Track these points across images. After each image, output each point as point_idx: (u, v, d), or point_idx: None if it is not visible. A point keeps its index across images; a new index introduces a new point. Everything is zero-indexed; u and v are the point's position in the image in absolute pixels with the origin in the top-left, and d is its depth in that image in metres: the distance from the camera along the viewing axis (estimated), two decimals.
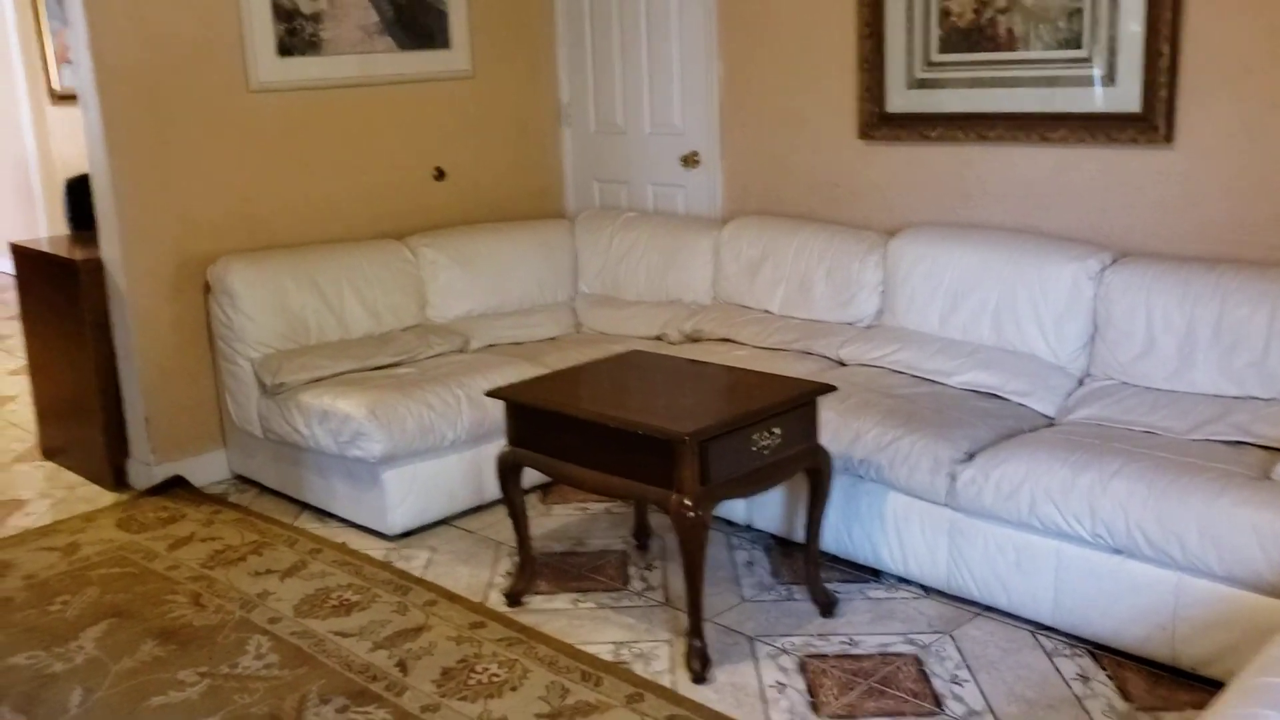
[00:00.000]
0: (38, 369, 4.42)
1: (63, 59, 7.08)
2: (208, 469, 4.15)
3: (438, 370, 3.88)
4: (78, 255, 4.04)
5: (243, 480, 4.15)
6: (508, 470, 3.10)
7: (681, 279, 4.30)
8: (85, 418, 4.14)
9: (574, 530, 3.64)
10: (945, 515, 2.98)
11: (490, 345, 4.23)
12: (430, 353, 4.07)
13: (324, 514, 3.81)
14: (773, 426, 2.78)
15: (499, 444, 3.51)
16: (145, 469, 4.05)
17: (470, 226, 4.57)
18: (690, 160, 4.54)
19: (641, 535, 3.47)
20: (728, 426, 2.69)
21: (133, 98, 3.83)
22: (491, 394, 3.15)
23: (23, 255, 4.32)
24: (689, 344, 4.03)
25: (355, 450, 3.54)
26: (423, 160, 4.61)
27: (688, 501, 2.63)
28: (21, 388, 5.33)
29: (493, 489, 3.72)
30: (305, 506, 3.89)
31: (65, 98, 7.19)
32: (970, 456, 2.95)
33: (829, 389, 2.92)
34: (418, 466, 3.65)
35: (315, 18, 4.18)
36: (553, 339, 4.34)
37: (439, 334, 4.19)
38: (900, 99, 3.82)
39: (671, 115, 4.60)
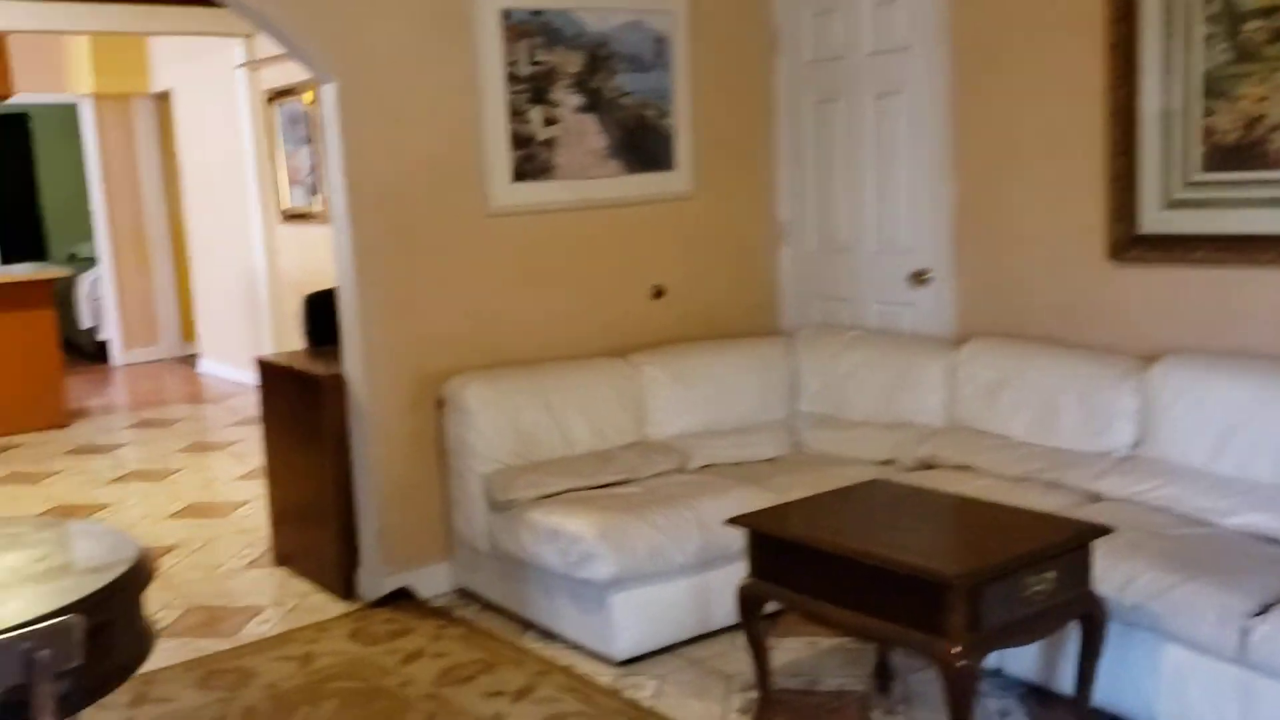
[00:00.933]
0: (276, 477, 4.59)
1: (293, 180, 7.55)
2: (432, 581, 4.19)
3: (663, 490, 3.84)
4: (320, 371, 4.20)
5: (466, 594, 4.17)
6: (750, 603, 3.01)
7: (912, 400, 4.17)
8: (319, 526, 4.26)
9: (807, 666, 3.49)
10: (1234, 673, 2.72)
11: (709, 464, 4.17)
12: (652, 471, 4.04)
13: (548, 634, 3.78)
14: (1046, 570, 2.60)
15: (726, 570, 3.42)
16: (374, 579, 4.12)
17: (689, 344, 4.56)
18: (919, 278, 4.44)
19: (883, 676, 3.30)
20: (999, 569, 2.53)
21: (382, 220, 4.01)
22: (733, 522, 3.08)
23: (268, 369, 4.53)
24: (922, 470, 3.88)
25: (584, 571, 3.51)
26: (642, 278, 4.65)
27: (958, 649, 2.48)
28: (251, 493, 5.56)
29: (719, 616, 3.63)
30: (529, 625, 3.87)
31: (293, 217, 7.65)
32: (1264, 609, 2.69)
33: (1105, 530, 2.73)
34: (645, 590, 3.59)
35: (549, 144, 4.31)
36: (772, 459, 4.25)
37: (659, 451, 4.16)
38: (1155, 220, 3.64)
39: (898, 233, 4.52)
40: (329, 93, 3.96)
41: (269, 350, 8.11)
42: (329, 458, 4.15)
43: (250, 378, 8.41)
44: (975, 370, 3.99)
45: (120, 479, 6.02)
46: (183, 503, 5.53)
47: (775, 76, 4.88)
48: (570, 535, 3.53)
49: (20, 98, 9.07)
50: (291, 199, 7.62)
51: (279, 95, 7.50)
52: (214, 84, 8.33)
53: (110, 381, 9.14)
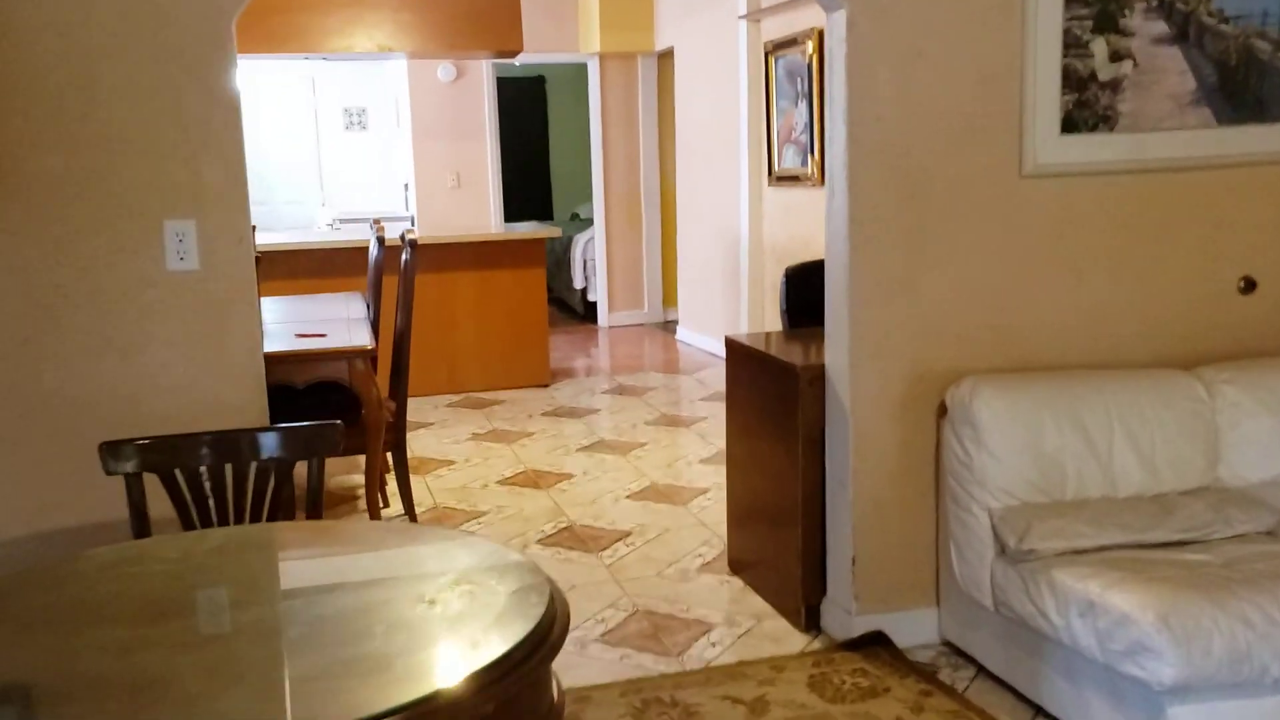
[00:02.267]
0: (737, 471, 4.02)
1: (785, 139, 7.00)
2: (913, 629, 3.40)
3: (1249, 563, 2.76)
4: (796, 359, 3.54)
5: (956, 652, 3.34)
6: None
7: None
8: (782, 539, 3.62)
9: None
10: None
11: None
12: (1231, 532, 2.95)
13: None
14: None
15: None
16: (843, 616, 3.41)
17: None
18: None
19: None
20: None
21: (885, 183, 3.24)
22: None
23: (737, 351, 3.95)
24: None
25: (1132, 666, 2.55)
26: (1227, 266, 3.50)
27: None
28: (712, 480, 5.08)
29: None
30: (1039, 710, 2.97)
31: (783, 179, 7.10)
32: None
33: None
34: (1221, 706, 2.56)
35: (1113, 86, 3.30)
36: None
37: (1239, 505, 3.05)
38: None
39: None
40: (835, 23, 3.24)
41: (744, 324, 7.68)
42: (799, 460, 3.48)
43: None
44: None
45: (588, 447, 5.81)
46: (644, 481, 5.17)
47: None
48: (1115, 614, 2.58)
49: (537, 58, 9.37)
50: (782, 160, 7.08)
51: (779, 48, 6.96)
52: (714, 38, 7.99)
53: (594, 343, 9.23)
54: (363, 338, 4.15)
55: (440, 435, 6.14)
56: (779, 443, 3.61)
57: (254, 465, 2.47)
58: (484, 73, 9.30)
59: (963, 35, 3.22)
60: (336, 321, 4.74)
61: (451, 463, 5.57)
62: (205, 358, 3.00)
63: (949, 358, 3.32)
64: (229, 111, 2.93)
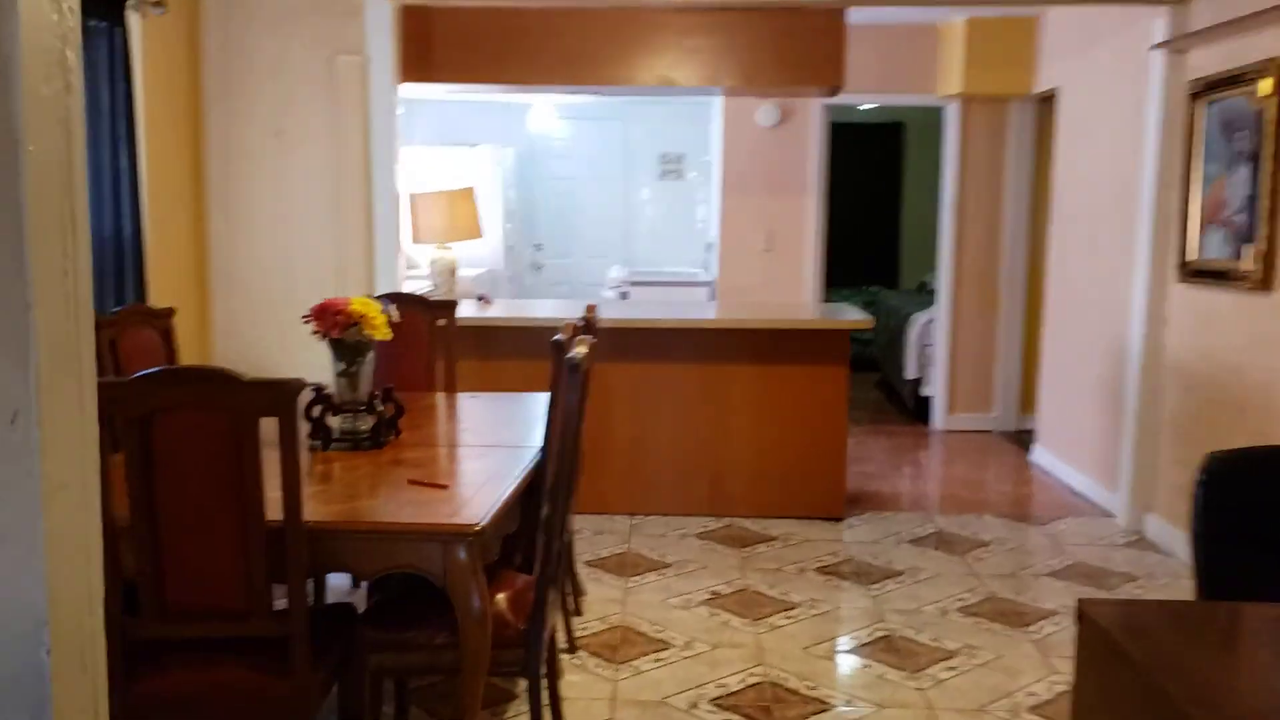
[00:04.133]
0: None
1: (1210, 218, 4.87)
2: None
3: None
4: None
5: None
6: None
7: None
8: None
9: None
10: None
11: None
12: None
13: None
14: None
15: None
16: None
17: None
18: None
19: None
20: None
21: None
22: None
23: (1096, 637, 2.08)
24: None
25: None
26: None
27: None
28: None
29: None
30: None
31: (1199, 274, 4.97)
32: None
33: None
34: None
35: None
36: None
37: None
38: None
39: None
40: None
41: (1125, 471, 5.56)
42: None
43: (1100, 495, 6.00)
44: None
45: (867, 648, 4.04)
46: None
47: None
48: None
49: (893, 99, 7.74)
50: (1203, 248, 4.95)
51: (1212, 88, 4.87)
52: (1115, 76, 5.95)
53: (921, 453, 7.34)
54: (484, 503, 2.68)
55: (670, 586, 4.59)
56: None
57: None
58: (814, 116, 7.72)
59: None
60: (500, 453, 3.32)
61: (663, 647, 3.98)
62: None
63: None
64: None
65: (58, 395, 1.32)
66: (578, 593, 4.28)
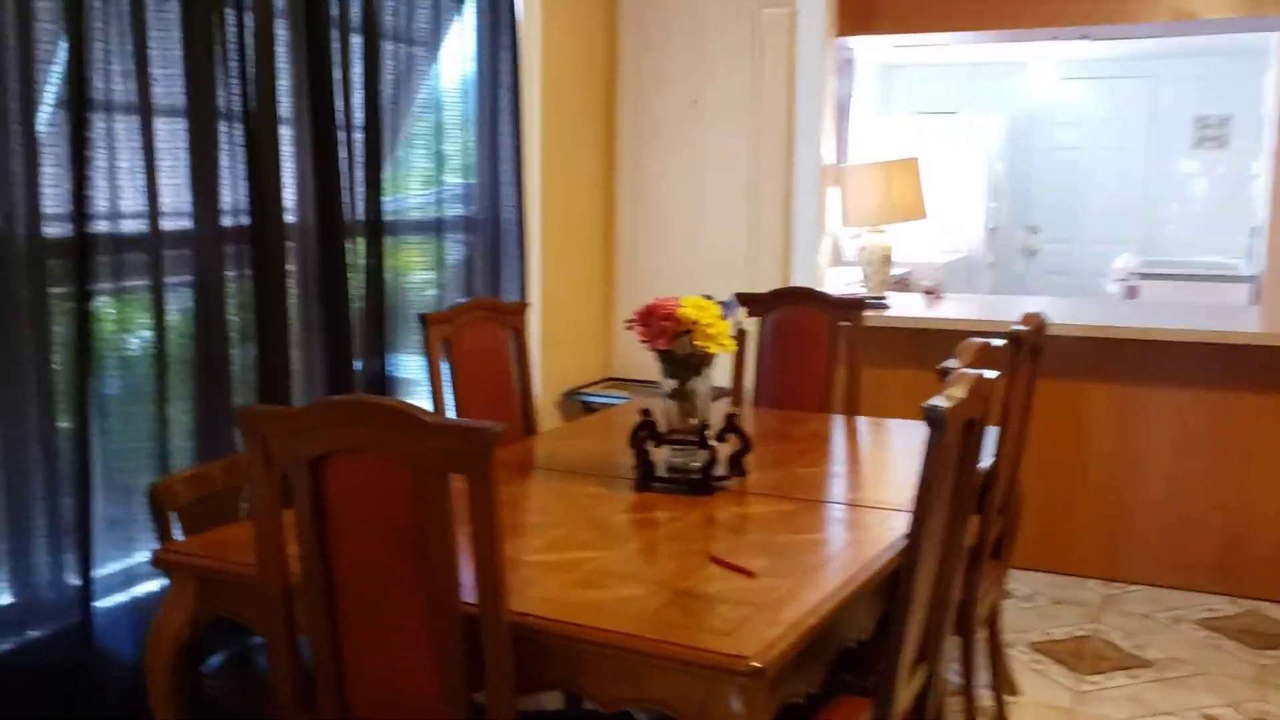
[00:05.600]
0: None
1: None
2: None
3: None
4: None
5: None
6: None
7: None
8: None
9: None
10: None
11: None
12: None
13: None
14: None
15: None
16: None
17: None
18: None
19: None
20: None
21: None
22: None
23: None
24: None
25: None
26: None
27: None
28: None
29: None
30: None
31: None
32: None
33: None
34: None
35: None
36: None
37: None
38: None
39: None
40: None
41: None
42: None
43: None
44: None
45: None
46: None
47: None
48: None
49: None
50: None
51: None
52: None
53: None
54: (788, 616, 1.79)
55: (1144, 698, 3.33)
56: None
57: None
58: None
59: None
60: (874, 519, 2.40)
61: None
62: None
63: None
64: None
65: None
66: (1005, 689, 3.21)
